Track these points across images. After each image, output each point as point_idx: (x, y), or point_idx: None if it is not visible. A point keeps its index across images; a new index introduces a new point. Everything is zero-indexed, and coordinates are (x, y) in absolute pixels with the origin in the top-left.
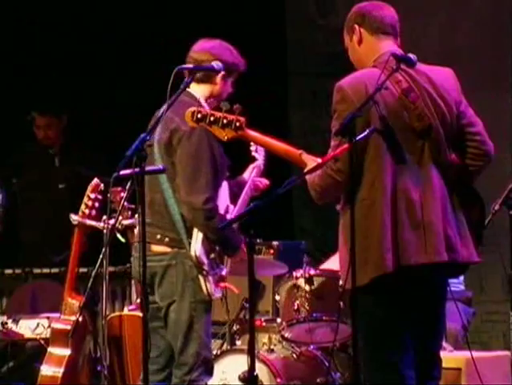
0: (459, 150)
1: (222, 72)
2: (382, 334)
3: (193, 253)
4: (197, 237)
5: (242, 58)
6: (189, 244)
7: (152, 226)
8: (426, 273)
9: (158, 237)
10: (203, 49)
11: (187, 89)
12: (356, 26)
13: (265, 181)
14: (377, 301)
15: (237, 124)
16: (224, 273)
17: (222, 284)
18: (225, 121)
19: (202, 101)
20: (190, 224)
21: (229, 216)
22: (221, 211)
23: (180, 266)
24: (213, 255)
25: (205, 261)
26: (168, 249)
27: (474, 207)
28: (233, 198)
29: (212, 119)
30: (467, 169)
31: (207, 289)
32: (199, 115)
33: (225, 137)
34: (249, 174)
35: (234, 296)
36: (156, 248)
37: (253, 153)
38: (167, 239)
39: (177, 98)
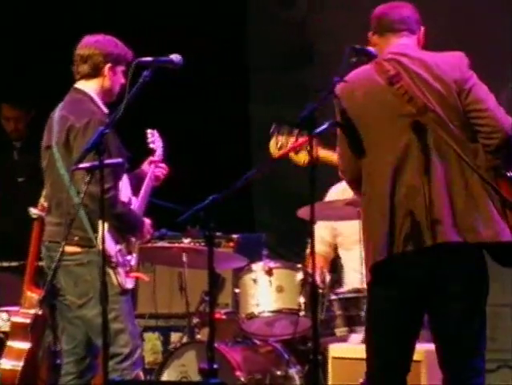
0: (475, 132)
1: (109, 64)
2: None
3: (100, 247)
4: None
5: (128, 49)
6: (96, 238)
7: (61, 226)
8: (439, 257)
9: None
10: (88, 44)
11: (78, 86)
12: (370, 34)
13: (164, 170)
14: (383, 290)
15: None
16: (133, 262)
17: (133, 274)
18: (299, 147)
19: (94, 96)
20: (95, 216)
21: (133, 207)
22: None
23: (93, 264)
24: (119, 246)
25: (113, 253)
26: (78, 249)
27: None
28: (134, 190)
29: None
30: (490, 152)
31: (117, 281)
32: (279, 145)
33: (303, 161)
34: (148, 166)
35: (195, 289)
36: (67, 248)
37: (151, 145)
38: (76, 238)
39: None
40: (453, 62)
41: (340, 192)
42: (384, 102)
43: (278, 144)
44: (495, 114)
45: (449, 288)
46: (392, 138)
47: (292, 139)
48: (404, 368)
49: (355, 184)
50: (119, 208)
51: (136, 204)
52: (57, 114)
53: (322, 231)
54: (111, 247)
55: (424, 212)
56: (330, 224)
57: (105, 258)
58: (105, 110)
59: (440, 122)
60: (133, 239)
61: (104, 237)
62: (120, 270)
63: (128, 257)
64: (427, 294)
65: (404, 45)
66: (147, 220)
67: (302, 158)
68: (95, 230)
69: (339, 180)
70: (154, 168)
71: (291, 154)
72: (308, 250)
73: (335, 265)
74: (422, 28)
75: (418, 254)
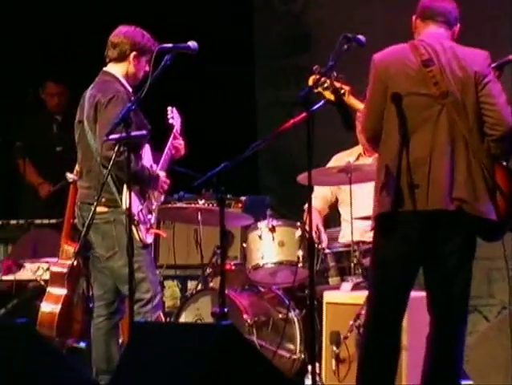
0: (483, 121)
1: (134, 52)
2: (381, 264)
3: (124, 207)
4: (127, 192)
5: (154, 41)
6: (121, 199)
7: (91, 189)
8: (434, 220)
9: (96, 198)
10: (119, 33)
11: (106, 69)
12: (414, 18)
13: (181, 142)
14: (385, 240)
15: (343, 92)
16: (153, 220)
17: (152, 230)
18: (334, 88)
19: (121, 78)
20: (116, 177)
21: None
22: None
23: (118, 222)
24: (141, 206)
25: (135, 211)
26: (105, 209)
27: (506, 182)
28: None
29: (325, 85)
30: (492, 141)
31: (139, 236)
32: (317, 81)
33: (334, 100)
34: (168, 139)
35: (208, 243)
36: (97, 208)
37: (171, 120)
38: (103, 199)
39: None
40: (477, 57)
41: (339, 159)
42: (413, 80)
43: (315, 80)
44: (502, 109)
45: (443, 247)
46: (411, 111)
47: (329, 81)
48: (399, 314)
49: (372, 143)
50: (132, 167)
51: (157, 169)
52: (88, 93)
53: (325, 189)
54: (135, 207)
55: (426, 181)
56: None
57: (130, 214)
58: (130, 89)
59: (457, 107)
60: (154, 202)
61: (130, 198)
62: (142, 227)
63: (149, 216)
64: (423, 251)
65: (440, 34)
66: (161, 173)
67: (328, 96)
68: (120, 192)
69: (343, 148)
70: (173, 140)
71: (327, 92)
72: (306, 208)
73: (327, 223)
74: (458, 25)
75: (416, 214)
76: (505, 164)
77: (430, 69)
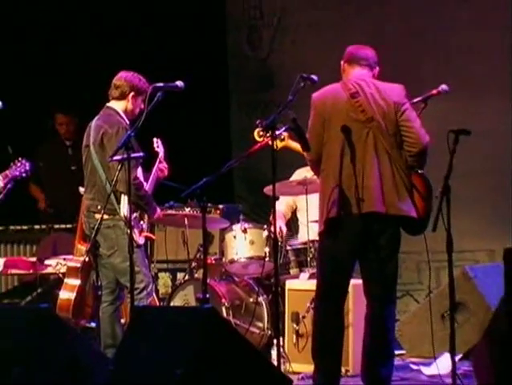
0: (401, 140)
1: (132, 93)
2: (327, 261)
3: (122, 214)
4: (124, 203)
5: (149, 84)
6: (119, 208)
7: (95, 200)
8: (370, 221)
9: (99, 207)
10: (120, 77)
11: (109, 105)
12: (342, 62)
13: (166, 166)
14: (331, 239)
15: (282, 138)
16: (144, 226)
17: (143, 234)
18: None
19: (121, 113)
20: (125, 196)
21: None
22: None
23: (117, 227)
24: (135, 214)
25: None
26: (106, 216)
27: (423, 186)
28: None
29: (268, 135)
30: (409, 156)
31: (133, 238)
32: (260, 133)
33: (276, 146)
34: (155, 164)
35: (193, 242)
36: (98, 216)
37: (156, 148)
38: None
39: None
40: (395, 90)
41: (299, 173)
42: (344, 109)
43: (259, 134)
44: (418, 131)
45: (376, 242)
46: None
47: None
48: (342, 297)
49: (315, 163)
50: (143, 191)
51: (146, 187)
52: (93, 123)
53: (288, 198)
54: (129, 214)
55: (361, 190)
56: None
57: (130, 223)
58: (128, 122)
59: (380, 129)
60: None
61: (129, 209)
62: (136, 231)
63: (141, 222)
64: (361, 245)
65: (364, 74)
66: (159, 210)
67: (276, 144)
68: (119, 203)
69: (302, 165)
70: (159, 164)
71: (265, 139)
72: (271, 215)
73: (290, 225)
74: (378, 68)
75: (356, 217)
76: (421, 172)
77: (357, 100)
